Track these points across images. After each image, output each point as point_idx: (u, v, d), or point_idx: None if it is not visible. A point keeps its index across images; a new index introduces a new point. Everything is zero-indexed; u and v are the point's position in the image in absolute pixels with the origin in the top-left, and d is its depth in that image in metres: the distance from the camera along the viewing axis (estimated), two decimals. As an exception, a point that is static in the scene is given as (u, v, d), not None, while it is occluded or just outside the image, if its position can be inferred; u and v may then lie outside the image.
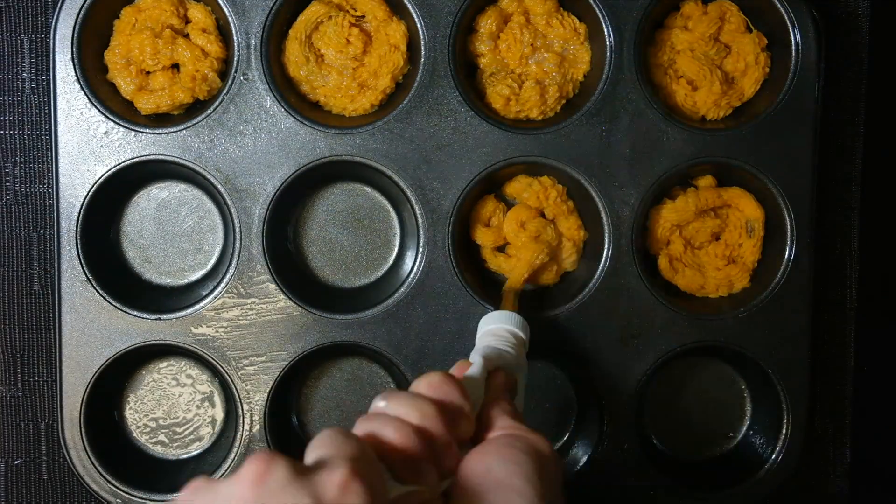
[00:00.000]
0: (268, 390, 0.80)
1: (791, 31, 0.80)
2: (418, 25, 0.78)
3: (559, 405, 0.85)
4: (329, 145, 0.79)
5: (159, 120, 0.81)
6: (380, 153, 0.79)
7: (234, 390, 0.80)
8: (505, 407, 0.60)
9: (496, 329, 0.72)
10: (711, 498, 0.81)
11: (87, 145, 0.79)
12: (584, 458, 0.82)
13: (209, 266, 0.84)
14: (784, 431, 0.81)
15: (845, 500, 0.88)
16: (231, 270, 0.79)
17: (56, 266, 0.79)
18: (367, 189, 0.84)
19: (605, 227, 0.80)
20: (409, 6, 0.78)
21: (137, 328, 0.79)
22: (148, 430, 0.84)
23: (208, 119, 0.79)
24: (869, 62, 0.86)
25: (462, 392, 0.56)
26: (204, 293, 0.80)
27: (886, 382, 0.85)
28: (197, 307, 0.79)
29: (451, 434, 0.54)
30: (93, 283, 0.79)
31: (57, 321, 0.79)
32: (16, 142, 0.84)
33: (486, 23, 0.81)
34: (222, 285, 0.79)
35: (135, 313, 0.79)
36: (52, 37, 0.77)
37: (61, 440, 0.79)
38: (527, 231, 0.81)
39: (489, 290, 0.82)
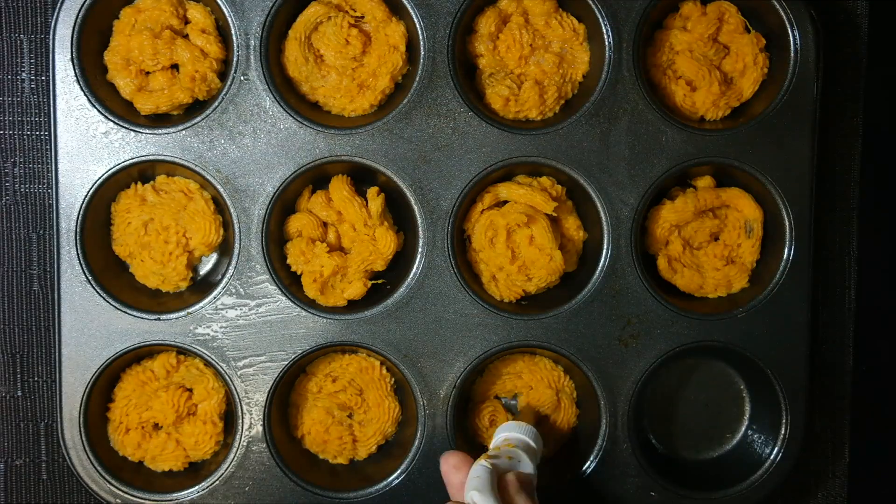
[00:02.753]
0: (267, 390, 0.80)
1: (790, 31, 0.80)
2: (417, 26, 0.79)
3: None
4: (328, 145, 0.79)
5: (159, 120, 0.81)
6: (379, 153, 0.79)
7: (234, 390, 0.80)
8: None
9: (512, 436, 0.76)
10: (711, 498, 0.82)
11: (86, 145, 0.79)
12: (584, 459, 0.82)
13: (209, 266, 0.84)
14: (783, 431, 0.82)
15: (844, 500, 0.89)
16: (230, 270, 0.79)
17: (56, 266, 0.79)
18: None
19: (605, 228, 0.80)
20: (409, 7, 0.78)
21: (137, 328, 0.79)
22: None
23: (208, 119, 0.79)
24: (867, 62, 0.86)
25: None
26: (203, 293, 0.80)
27: (885, 382, 0.85)
28: (197, 307, 0.79)
29: None
30: (92, 283, 0.79)
31: (56, 321, 0.79)
32: (16, 142, 0.84)
33: (486, 23, 0.81)
34: (222, 285, 0.79)
35: (135, 313, 0.79)
36: (51, 37, 0.78)
37: (61, 440, 0.80)
38: (528, 231, 0.81)
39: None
